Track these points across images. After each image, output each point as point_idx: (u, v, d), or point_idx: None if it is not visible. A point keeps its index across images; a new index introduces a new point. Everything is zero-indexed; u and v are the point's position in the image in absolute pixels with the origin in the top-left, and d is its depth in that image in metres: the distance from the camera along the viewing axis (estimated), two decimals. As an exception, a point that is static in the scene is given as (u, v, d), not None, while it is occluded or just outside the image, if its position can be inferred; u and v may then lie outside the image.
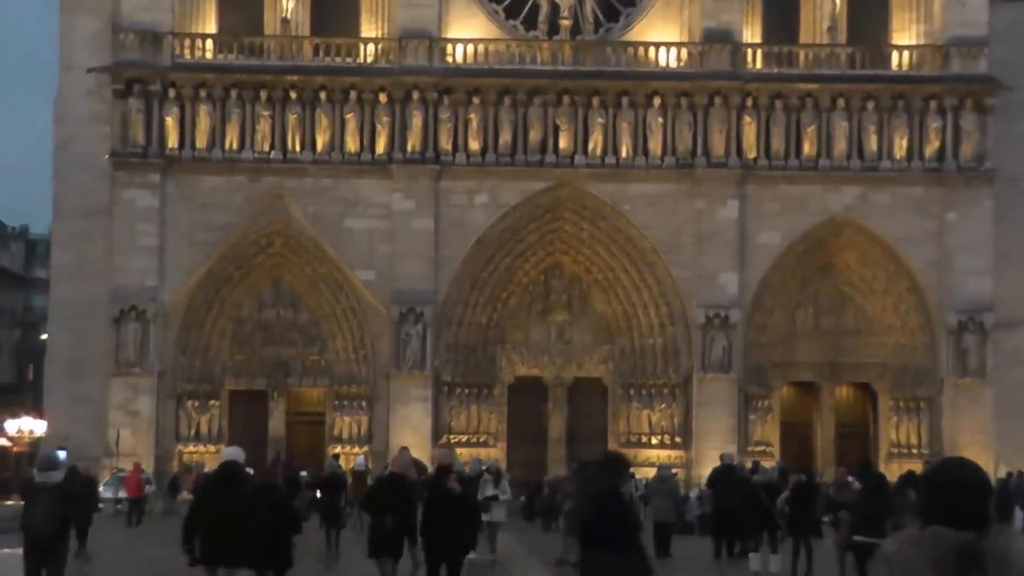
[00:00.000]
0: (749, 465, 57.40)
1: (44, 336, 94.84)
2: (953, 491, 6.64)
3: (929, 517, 6.63)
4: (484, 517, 36.08)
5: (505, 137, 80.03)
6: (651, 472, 60.02)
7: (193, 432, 78.97)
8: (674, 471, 60.32)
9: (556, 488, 51.57)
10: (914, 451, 75.37)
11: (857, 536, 25.37)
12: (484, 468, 44.70)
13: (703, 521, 52.68)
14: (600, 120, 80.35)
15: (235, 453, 28.64)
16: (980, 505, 6.63)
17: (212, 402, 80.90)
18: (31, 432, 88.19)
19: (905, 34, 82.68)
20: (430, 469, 45.11)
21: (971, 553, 6.37)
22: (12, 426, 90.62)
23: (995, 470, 66.58)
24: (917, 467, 51.56)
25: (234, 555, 22.09)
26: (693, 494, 58.90)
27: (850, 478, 38.35)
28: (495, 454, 71.75)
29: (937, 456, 65.10)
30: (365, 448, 73.01)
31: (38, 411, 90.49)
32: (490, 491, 41.39)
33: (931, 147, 79.55)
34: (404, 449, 28.29)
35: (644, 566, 18.74)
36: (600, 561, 18.48)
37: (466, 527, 23.03)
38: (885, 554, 6.75)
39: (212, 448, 75.93)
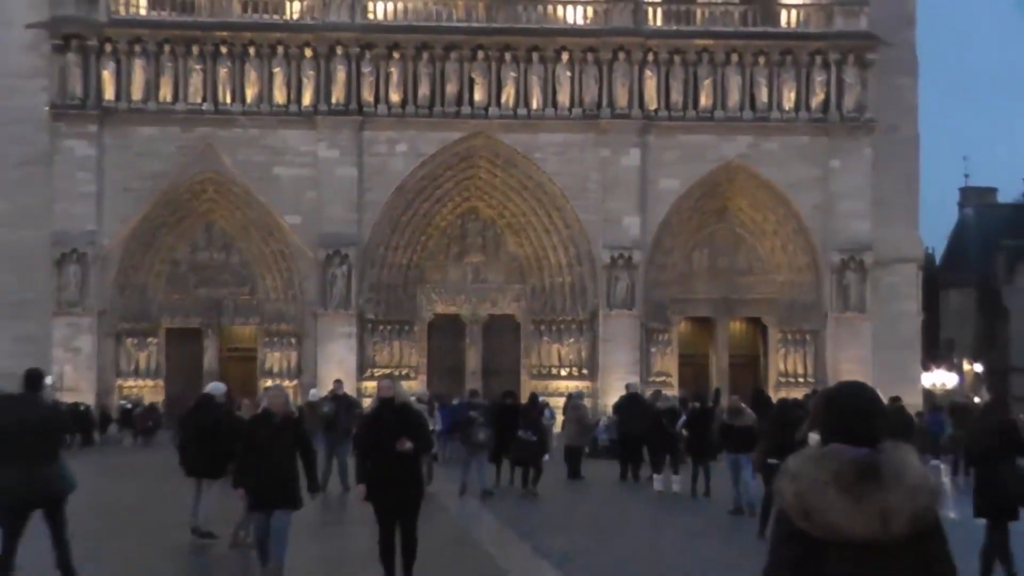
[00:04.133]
0: (650, 393, 54.81)
1: None
2: (850, 412, 6.69)
3: (828, 436, 6.71)
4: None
5: (423, 90, 78.84)
6: (561, 401, 58.27)
7: (132, 368, 77.14)
8: (584, 400, 57.22)
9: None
10: (800, 380, 74.84)
11: (770, 459, 24.35)
12: (416, 398, 39.91)
13: (611, 446, 50.77)
14: (512, 74, 79.36)
15: (214, 387, 28.53)
16: (873, 424, 6.70)
17: (150, 339, 79.45)
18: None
19: None
20: (365, 404, 47.66)
21: (868, 466, 6.41)
22: None
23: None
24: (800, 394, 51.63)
25: (210, 469, 22.85)
26: (602, 422, 56.88)
27: (743, 405, 35.31)
28: (415, 386, 67.54)
29: (822, 384, 64.20)
30: (295, 382, 70.93)
31: None
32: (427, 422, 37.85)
33: (816, 99, 79.41)
34: (388, 381, 21.87)
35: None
36: (998, 471, 19.00)
37: (414, 479, 18.48)
38: (789, 470, 6.63)
39: (150, 383, 77.15)
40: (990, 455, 19.43)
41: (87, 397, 71.69)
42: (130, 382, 77.11)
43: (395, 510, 18.13)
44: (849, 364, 75.08)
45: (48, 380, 64.45)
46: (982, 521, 20.22)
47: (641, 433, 42.91)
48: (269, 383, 67.19)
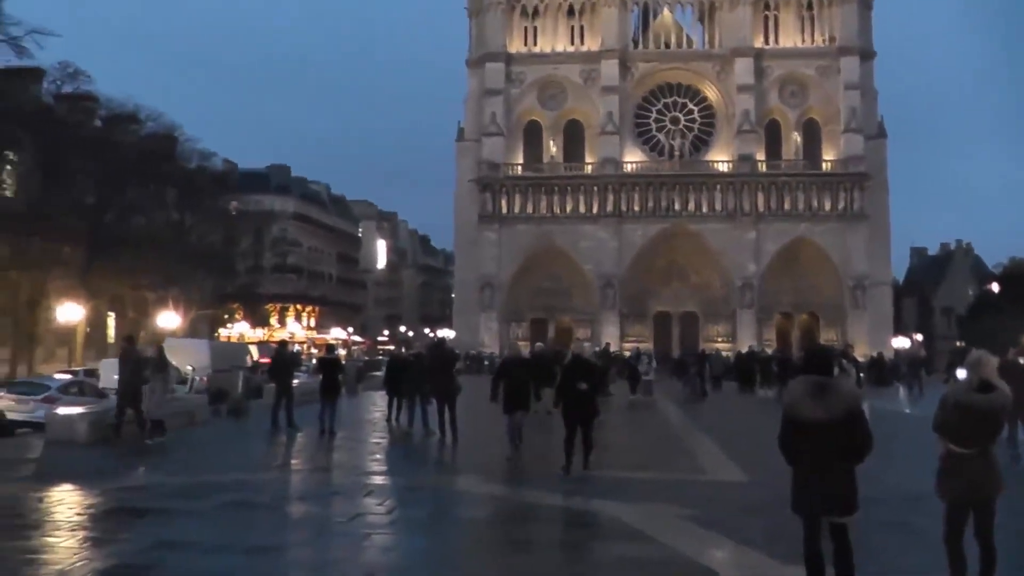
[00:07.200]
0: (758, 349, 62.54)
1: (453, 295, 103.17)
2: (817, 358, 7.49)
3: (806, 370, 7.40)
4: (644, 377, 39.19)
5: (650, 203, 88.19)
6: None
7: (514, 336, 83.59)
8: (725, 353, 64.20)
9: (636, 359, 43.41)
10: (835, 343, 71.45)
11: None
12: (640, 351, 46.21)
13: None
14: (693, 195, 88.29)
15: (538, 346, 34.10)
16: (828, 364, 7.46)
17: (523, 323, 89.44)
18: (446, 336, 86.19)
19: (830, 154, 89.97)
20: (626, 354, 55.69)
21: (825, 385, 7.14)
22: (441, 333, 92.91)
23: (869, 352, 69.68)
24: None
25: (518, 402, 18.20)
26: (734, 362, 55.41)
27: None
28: (647, 346, 70.03)
29: (843, 345, 55.84)
30: (589, 343, 65.92)
31: (450, 327, 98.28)
32: (645, 363, 40.92)
33: (840, 205, 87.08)
34: (578, 343, 21.36)
35: None
36: None
37: (591, 406, 16.75)
38: (788, 387, 7.45)
39: (523, 343, 71.60)
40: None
41: (494, 350, 79.34)
42: (514, 341, 66.30)
43: (578, 422, 16.50)
44: (857, 336, 79.98)
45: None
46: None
47: (752, 368, 46.98)
48: (586, 345, 69.33)
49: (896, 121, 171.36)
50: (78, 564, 9.33)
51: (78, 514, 12.39)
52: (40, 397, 25.23)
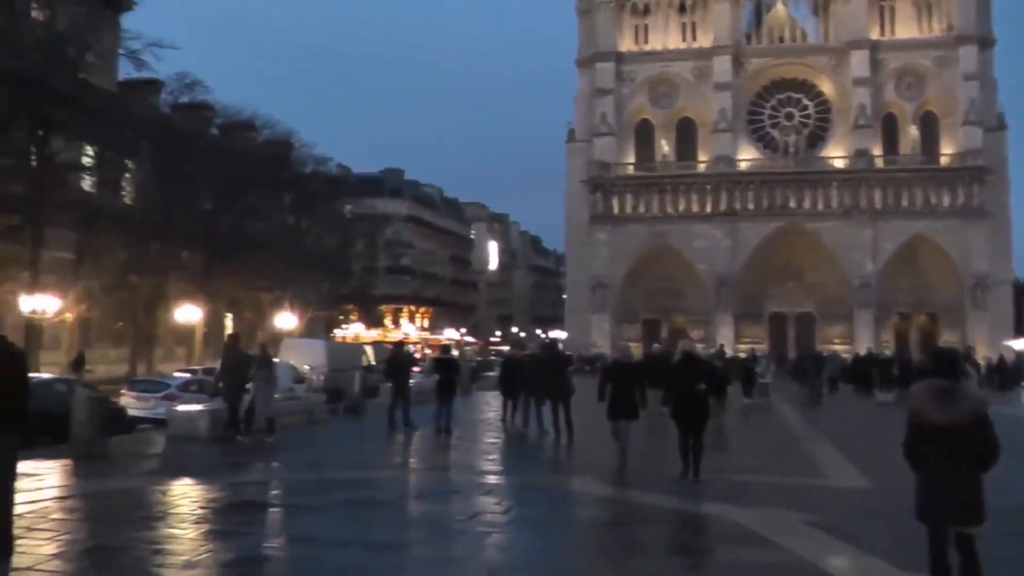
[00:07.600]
0: (875, 352, 61.35)
1: (564, 296, 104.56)
2: (943, 361, 7.42)
3: (932, 374, 7.39)
4: (761, 380, 38.96)
5: (764, 202, 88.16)
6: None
7: (627, 337, 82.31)
8: (844, 355, 62.39)
9: (752, 361, 44.57)
10: (954, 344, 73.15)
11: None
12: (758, 353, 48.32)
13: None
14: (809, 193, 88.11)
15: (656, 348, 36.40)
16: (955, 368, 7.37)
17: (636, 324, 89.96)
18: (558, 337, 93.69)
19: (948, 147, 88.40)
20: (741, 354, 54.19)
21: (951, 390, 7.15)
22: (553, 333, 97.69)
23: (988, 354, 68.46)
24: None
25: (622, 410, 17.01)
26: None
27: (924, 357, 35.59)
28: (762, 347, 73.83)
29: (964, 348, 63.71)
30: (703, 344, 66.48)
31: (562, 327, 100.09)
32: (763, 365, 41.67)
33: (959, 201, 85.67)
34: (688, 340, 18.03)
35: None
36: None
37: (703, 408, 15.76)
38: (912, 391, 7.42)
39: (635, 344, 75.89)
40: None
41: (606, 350, 76.89)
42: (624, 342, 77.31)
43: (689, 425, 15.71)
44: (979, 336, 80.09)
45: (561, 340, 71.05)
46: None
47: (869, 370, 45.70)
48: (701, 347, 60.85)
49: (1017, 112, 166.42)
50: (203, 556, 9.65)
51: (201, 507, 12.79)
52: (160, 395, 26.18)
